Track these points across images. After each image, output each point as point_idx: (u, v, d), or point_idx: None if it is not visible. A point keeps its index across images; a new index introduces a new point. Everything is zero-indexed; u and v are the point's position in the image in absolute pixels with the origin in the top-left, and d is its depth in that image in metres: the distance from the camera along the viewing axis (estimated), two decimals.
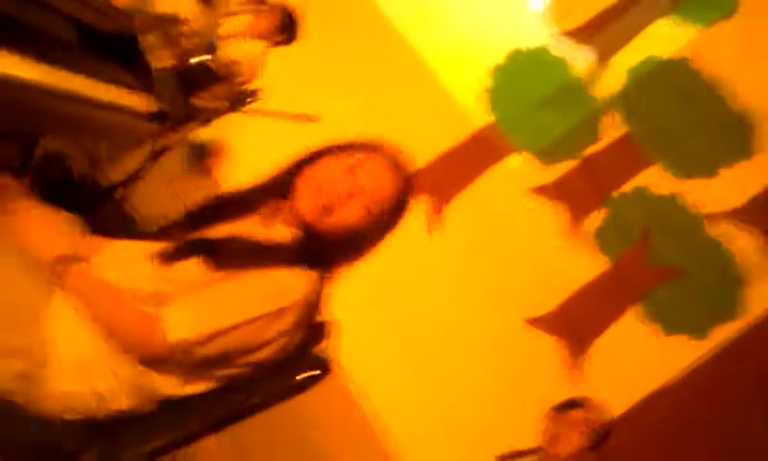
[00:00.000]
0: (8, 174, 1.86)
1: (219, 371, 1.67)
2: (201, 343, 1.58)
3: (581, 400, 3.26)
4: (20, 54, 1.59)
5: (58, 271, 1.60)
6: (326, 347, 1.91)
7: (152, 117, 2.24)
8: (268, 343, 1.67)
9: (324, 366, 1.87)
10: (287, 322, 1.67)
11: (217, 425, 1.75)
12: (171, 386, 1.66)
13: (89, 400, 1.62)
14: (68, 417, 1.59)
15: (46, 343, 1.58)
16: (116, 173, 2.74)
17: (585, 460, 3.14)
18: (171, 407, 1.62)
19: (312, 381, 1.83)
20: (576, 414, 3.20)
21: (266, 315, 1.62)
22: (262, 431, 2.31)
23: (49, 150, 2.09)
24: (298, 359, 1.82)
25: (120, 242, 1.77)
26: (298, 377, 1.85)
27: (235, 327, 1.60)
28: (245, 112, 3.57)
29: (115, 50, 2.16)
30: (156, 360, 1.60)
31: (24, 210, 1.69)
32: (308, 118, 3.71)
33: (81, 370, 1.61)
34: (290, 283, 1.68)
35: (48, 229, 1.67)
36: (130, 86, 2.18)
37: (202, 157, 3.69)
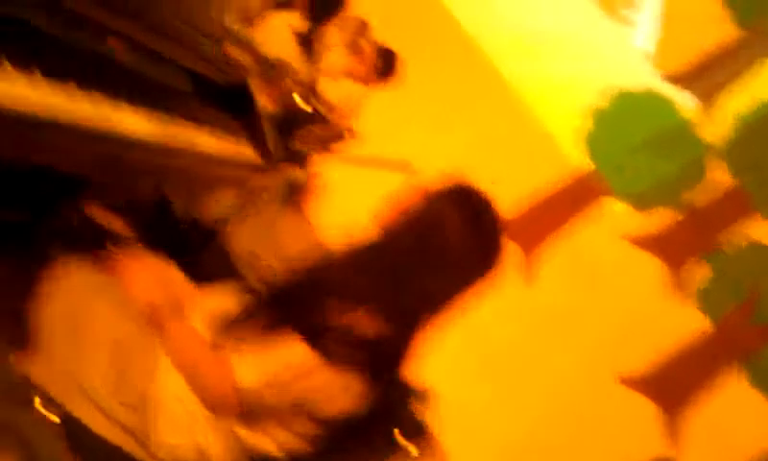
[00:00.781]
0: (116, 217, 1.95)
1: (296, 425, 1.70)
2: (269, 388, 1.61)
3: None
4: (137, 108, 1.67)
5: (156, 320, 1.67)
6: (422, 410, 1.92)
7: (259, 165, 2.31)
8: (336, 397, 1.69)
9: (421, 431, 1.87)
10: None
11: None
12: (262, 443, 1.70)
13: (192, 455, 1.68)
14: None
15: (157, 395, 1.65)
16: (215, 212, 2.82)
17: None
18: None
19: (409, 443, 1.83)
20: None
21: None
22: None
23: (151, 190, 2.17)
24: (389, 421, 1.84)
25: (209, 294, 1.83)
26: (394, 440, 1.86)
27: (300, 376, 1.63)
28: (340, 159, 3.63)
29: (224, 98, 2.25)
30: (226, 406, 1.65)
31: (130, 259, 1.76)
32: (402, 167, 3.74)
33: (185, 423, 1.67)
34: None
35: (150, 278, 1.74)
36: (238, 134, 2.26)
37: (296, 195, 3.77)
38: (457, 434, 3.98)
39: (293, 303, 1.68)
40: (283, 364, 1.60)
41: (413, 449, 1.86)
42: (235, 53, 2.27)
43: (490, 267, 1.70)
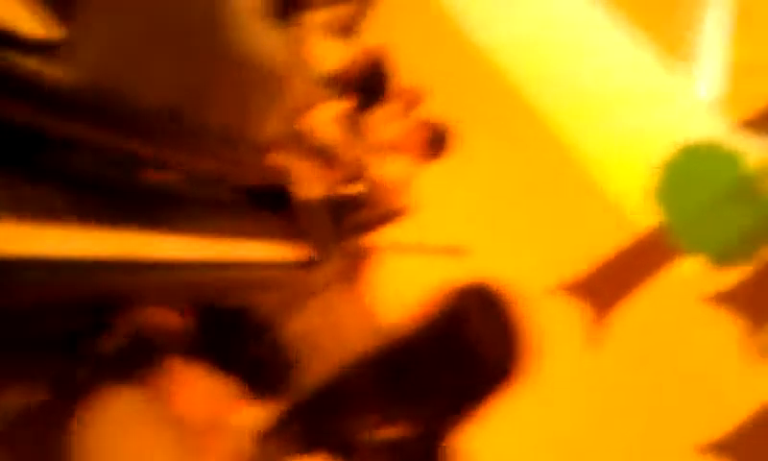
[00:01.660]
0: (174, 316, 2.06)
1: None
2: None
3: None
4: (187, 233, 1.79)
5: (202, 442, 1.76)
6: None
7: (306, 263, 2.41)
8: None
9: None
10: None
11: None
12: None
13: None
14: None
15: None
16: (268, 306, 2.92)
17: None
18: None
19: None
20: None
21: None
22: None
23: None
24: None
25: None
26: None
27: None
28: (390, 248, 3.71)
29: (265, 200, 2.37)
30: None
31: (181, 375, 1.86)
32: (454, 251, 3.81)
33: None
34: None
35: (200, 395, 1.83)
36: (282, 235, 2.37)
37: (352, 279, 3.86)
38: None
39: (320, 416, 1.75)
40: None
41: None
42: (278, 158, 2.40)
43: (514, 365, 1.75)
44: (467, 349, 1.73)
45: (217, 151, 1.98)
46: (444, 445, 1.78)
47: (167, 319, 2.13)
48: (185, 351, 2.05)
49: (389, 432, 1.71)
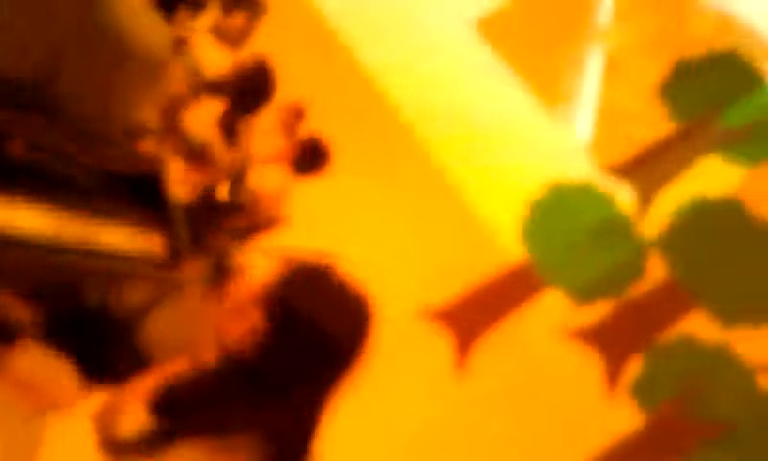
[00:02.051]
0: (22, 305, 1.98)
1: None
2: None
3: None
4: (34, 203, 1.73)
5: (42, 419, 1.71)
6: None
7: (167, 258, 2.37)
8: None
9: None
10: None
11: None
12: None
13: None
14: None
15: None
16: (130, 303, 2.85)
17: None
18: None
19: None
20: None
21: None
22: None
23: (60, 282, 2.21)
24: None
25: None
26: None
27: None
28: (260, 251, 3.70)
29: (132, 188, 2.32)
30: None
31: (22, 353, 1.80)
32: (324, 258, 3.82)
33: None
34: None
35: (40, 375, 1.78)
36: (144, 225, 2.32)
37: (218, 286, 3.81)
38: None
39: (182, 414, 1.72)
40: None
41: None
42: (148, 146, 2.35)
43: (357, 334, 1.77)
44: (305, 332, 1.73)
45: (80, 128, 1.93)
46: (316, 430, 1.78)
47: (14, 305, 2.06)
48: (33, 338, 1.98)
49: (257, 424, 1.70)
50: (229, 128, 3.45)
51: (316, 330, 1.71)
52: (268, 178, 3.65)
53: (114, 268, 2.13)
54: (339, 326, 1.73)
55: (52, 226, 1.79)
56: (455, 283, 4.73)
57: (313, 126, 3.93)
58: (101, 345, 2.29)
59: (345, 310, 1.76)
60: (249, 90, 3.67)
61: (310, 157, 3.84)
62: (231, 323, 1.74)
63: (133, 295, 2.70)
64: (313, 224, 4.07)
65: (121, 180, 2.25)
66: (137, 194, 2.34)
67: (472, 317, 4.69)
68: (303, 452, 1.82)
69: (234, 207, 3.36)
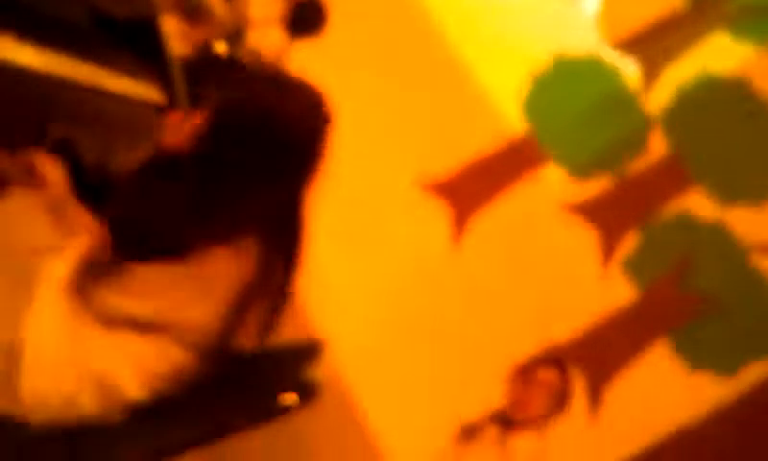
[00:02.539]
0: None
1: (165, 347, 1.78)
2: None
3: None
4: (25, 39, 1.74)
5: (33, 263, 1.76)
6: (316, 369, 2.03)
7: (161, 109, 2.39)
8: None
9: (309, 391, 1.98)
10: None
11: (197, 443, 1.87)
12: (134, 388, 1.79)
13: (55, 400, 1.76)
14: (36, 418, 1.73)
15: (24, 340, 1.73)
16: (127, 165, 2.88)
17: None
18: (147, 422, 1.75)
19: (297, 406, 1.94)
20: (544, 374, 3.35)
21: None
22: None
23: (58, 136, 2.24)
24: (283, 379, 1.95)
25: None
26: (281, 400, 1.96)
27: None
28: None
29: (129, 36, 2.31)
30: None
31: (16, 200, 1.84)
32: None
33: (51, 369, 1.75)
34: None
35: (31, 221, 1.82)
36: (141, 75, 2.33)
37: None
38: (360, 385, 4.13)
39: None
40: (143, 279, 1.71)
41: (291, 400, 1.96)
42: None
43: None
44: (256, 121, 1.77)
45: None
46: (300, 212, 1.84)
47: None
48: None
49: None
50: None
51: (268, 120, 1.75)
52: (266, 38, 3.63)
53: (112, 111, 2.15)
54: (293, 116, 1.77)
55: (46, 62, 1.81)
56: (454, 154, 4.75)
57: None
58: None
59: (298, 102, 1.80)
60: None
61: (307, 18, 3.80)
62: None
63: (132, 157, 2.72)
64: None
65: (116, 27, 2.25)
66: (134, 44, 2.34)
67: (470, 189, 4.73)
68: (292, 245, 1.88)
69: (233, 65, 3.35)
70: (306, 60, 3.83)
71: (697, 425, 4.21)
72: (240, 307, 1.79)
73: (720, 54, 4.90)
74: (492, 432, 3.39)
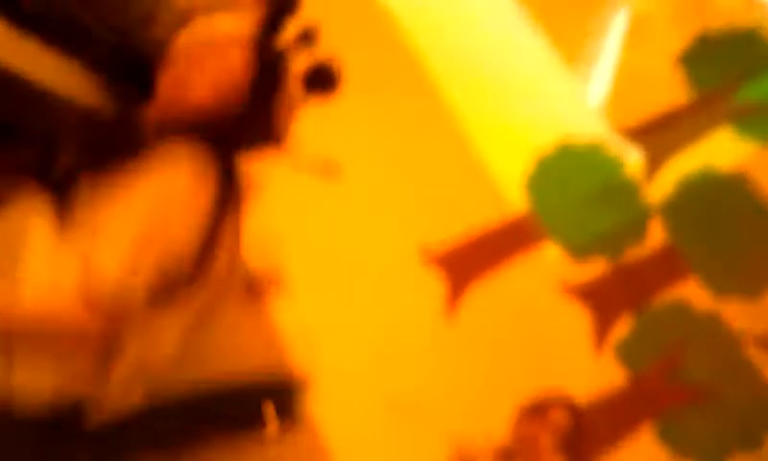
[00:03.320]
0: None
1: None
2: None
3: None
4: None
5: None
6: (298, 400, 2.11)
7: None
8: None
9: (288, 421, 2.05)
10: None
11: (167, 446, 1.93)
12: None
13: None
14: None
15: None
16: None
17: None
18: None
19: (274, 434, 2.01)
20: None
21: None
22: None
23: None
24: (261, 410, 2.03)
25: None
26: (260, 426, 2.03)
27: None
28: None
29: None
30: None
31: None
32: (328, 171, 3.98)
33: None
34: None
35: None
36: None
37: None
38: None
39: None
40: None
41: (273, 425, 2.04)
42: None
43: None
44: None
45: None
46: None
47: None
48: None
49: None
50: None
51: None
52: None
53: None
54: None
55: None
56: (453, 228, 4.87)
57: (327, 48, 4.05)
58: None
59: None
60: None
61: (321, 79, 3.97)
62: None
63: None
64: (317, 147, 4.23)
65: None
66: None
67: (468, 262, 4.83)
68: None
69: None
70: (315, 118, 4.00)
71: None
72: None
73: (723, 150, 5.05)
74: None
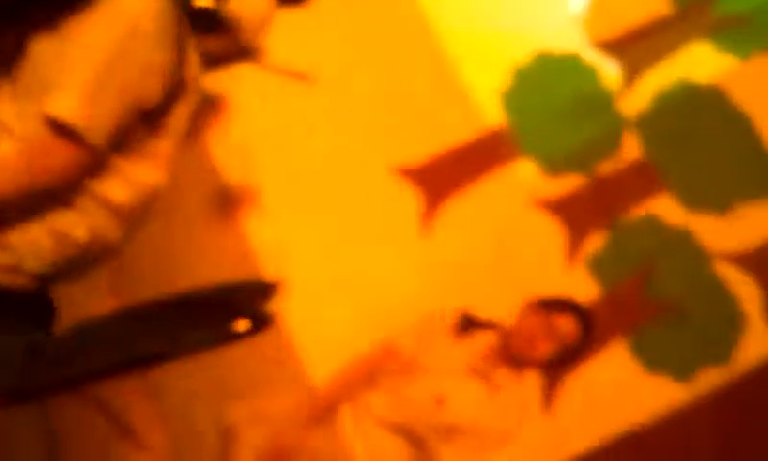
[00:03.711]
0: None
1: None
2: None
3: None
4: None
5: None
6: (271, 303, 2.13)
7: None
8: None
9: (262, 322, 2.08)
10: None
11: (153, 356, 1.96)
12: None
13: None
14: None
15: None
16: None
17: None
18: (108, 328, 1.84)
19: (248, 334, 2.04)
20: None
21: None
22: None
23: None
24: (237, 309, 2.05)
25: None
26: (233, 328, 2.06)
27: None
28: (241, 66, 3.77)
29: None
30: None
31: None
32: (303, 77, 3.93)
33: None
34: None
35: None
36: None
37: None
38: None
39: None
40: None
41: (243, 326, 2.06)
42: None
43: None
44: None
45: None
46: None
47: None
48: None
49: None
50: None
51: None
52: (251, 2, 3.69)
53: None
54: None
55: None
56: (429, 141, 4.87)
57: None
58: None
59: None
60: None
61: None
62: None
63: None
64: (290, 57, 4.16)
65: None
66: None
67: (443, 177, 4.84)
68: None
69: (215, 20, 3.40)
70: (289, 29, 3.93)
71: (649, 427, 4.36)
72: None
73: (701, 63, 5.05)
74: (488, 341, 3.46)
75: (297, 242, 4.38)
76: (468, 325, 3.67)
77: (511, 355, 3.65)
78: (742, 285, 4.63)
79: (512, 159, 4.92)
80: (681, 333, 4.58)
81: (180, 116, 1.99)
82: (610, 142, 4.95)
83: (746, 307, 4.60)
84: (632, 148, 4.91)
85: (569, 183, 4.85)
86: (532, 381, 3.64)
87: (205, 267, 4.09)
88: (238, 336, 2.03)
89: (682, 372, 4.46)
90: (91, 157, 1.76)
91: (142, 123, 1.88)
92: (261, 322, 2.05)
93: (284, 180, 4.52)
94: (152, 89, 1.84)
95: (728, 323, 4.58)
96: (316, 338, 4.26)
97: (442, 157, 4.86)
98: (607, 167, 4.88)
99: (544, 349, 3.62)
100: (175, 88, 1.89)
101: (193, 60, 1.99)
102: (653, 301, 4.64)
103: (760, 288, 4.64)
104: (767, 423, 4.43)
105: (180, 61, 1.90)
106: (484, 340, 3.70)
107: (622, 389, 4.43)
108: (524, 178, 4.89)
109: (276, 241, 4.32)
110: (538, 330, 3.66)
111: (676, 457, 4.38)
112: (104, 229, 1.85)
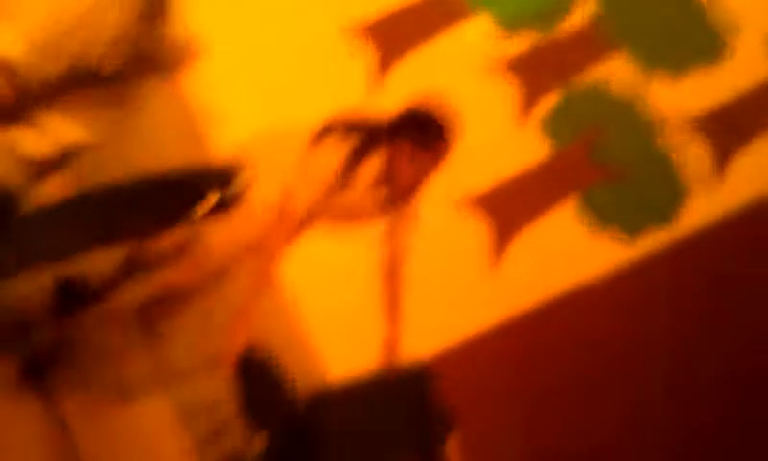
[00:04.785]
0: None
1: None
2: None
3: None
4: None
5: None
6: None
7: None
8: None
9: (226, 202, 2.14)
10: None
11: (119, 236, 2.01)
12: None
13: None
14: None
15: None
16: None
17: None
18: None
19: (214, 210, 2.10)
20: None
21: None
22: None
23: None
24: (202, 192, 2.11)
25: None
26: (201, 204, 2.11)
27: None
28: None
29: None
30: None
31: None
32: None
33: None
34: None
35: None
36: None
37: None
38: None
39: None
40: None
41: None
42: None
43: None
44: None
45: None
46: None
47: None
48: None
49: None
50: None
51: None
52: None
53: None
54: None
55: None
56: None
57: None
58: None
59: None
60: None
61: None
62: None
63: None
64: None
65: None
66: None
67: (396, 33, 4.82)
68: None
69: None
70: None
71: (596, 285, 4.55)
72: None
73: None
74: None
75: (243, 98, 4.37)
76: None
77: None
78: (690, 149, 4.75)
79: (466, 16, 4.90)
80: (626, 196, 4.73)
81: None
82: (566, 2, 4.94)
83: (693, 171, 4.74)
84: (587, 6, 4.91)
85: (523, 42, 4.87)
86: None
87: (154, 144, 4.04)
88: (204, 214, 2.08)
89: (627, 231, 4.63)
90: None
91: None
92: (225, 203, 2.11)
93: (231, 34, 4.45)
94: None
95: (670, 189, 4.73)
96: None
97: (395, 14, 4.83)
98: (563, 28, 4.89)
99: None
100: None
101: None
102: (600, 164, 4.76)
103: (709, 151, 4.78)
104: (711, 280, 4.65)
105: None
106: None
107: (568, 248, 4.59)
108: (478, 35, 4.89)
109: (221, 98, 4.28)
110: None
111: (621, 315, 4.58)
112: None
